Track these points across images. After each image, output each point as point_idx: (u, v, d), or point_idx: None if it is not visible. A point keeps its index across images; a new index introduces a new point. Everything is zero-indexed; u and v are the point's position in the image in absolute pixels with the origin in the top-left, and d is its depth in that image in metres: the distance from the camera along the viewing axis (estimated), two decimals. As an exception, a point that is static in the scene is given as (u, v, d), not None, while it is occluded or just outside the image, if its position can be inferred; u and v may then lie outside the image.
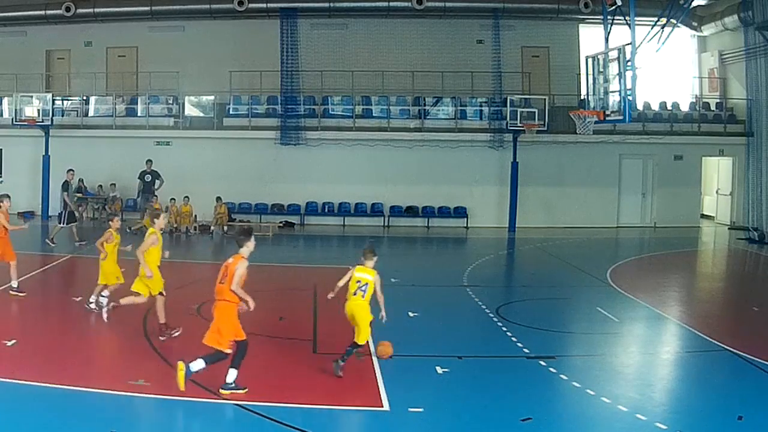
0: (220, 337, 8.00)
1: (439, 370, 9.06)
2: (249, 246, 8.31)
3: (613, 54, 16.47)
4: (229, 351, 7.99)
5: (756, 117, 24.64)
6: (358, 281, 8.95)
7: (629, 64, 15.82)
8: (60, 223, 19.29)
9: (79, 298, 12.59)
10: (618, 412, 7.79)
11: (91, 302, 11.33)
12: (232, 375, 8.01)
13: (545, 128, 23.69)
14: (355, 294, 8.95)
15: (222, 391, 7.93)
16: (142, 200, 22.66)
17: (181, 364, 7.91)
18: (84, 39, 26.48)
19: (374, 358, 9.39)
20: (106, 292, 11.23)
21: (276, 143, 24.96)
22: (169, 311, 11.70)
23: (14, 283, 12.27)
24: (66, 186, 19.76)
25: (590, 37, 24.03)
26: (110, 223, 11.89)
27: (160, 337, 10.08)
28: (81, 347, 9.66)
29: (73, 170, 20.40)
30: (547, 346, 10.43)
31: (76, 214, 20.19)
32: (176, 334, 10.15)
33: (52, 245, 18.48)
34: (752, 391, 8.60)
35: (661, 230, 25.09)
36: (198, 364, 7.97)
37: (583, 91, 21.40)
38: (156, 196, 22.02)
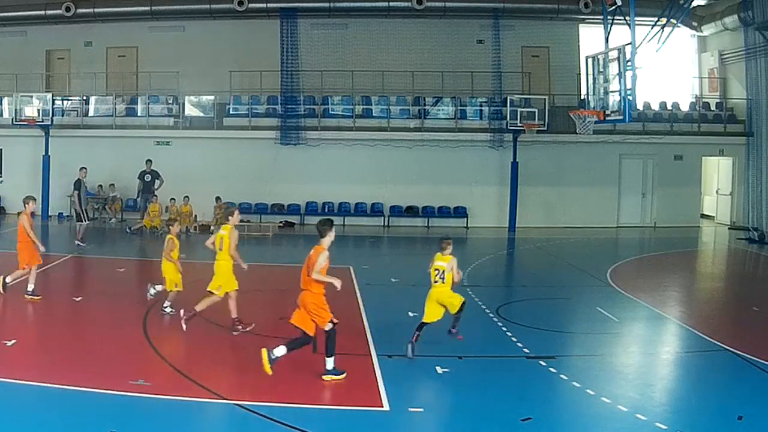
0: (307, 322, 8.52)
1: (439, 370, 9.06)
2: (330, 236, 8.66)
3: (613, 54, 16.47)
4: (313, 335, 8.55)
5: (756, 117, 24.64)
6: (437, 269, 9.67)
7: (629, 64, 15.81)
8: (80, 221, 19.36)
9: (80, 298, 12.61)
10: (618, 412, 7.79)
11: (166, 306, 11.44)
12: (330, 363, 8.56)
13: (545, 128, 23.70)
14: (435, 282, 9.67)
15: (324, 378, 8.54)
16: (142, 200, 22.68)
17: (264, 351, 8.31)
18: (84, 39, 26.48)
19: (374, 358, 9.39)
20: (167, 302, 11.43)
21: (276, 143, 24.96)
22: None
23: (30, 287, 12.08)
24: (78, 184, 19.82)
25: (590, 37, 24.03)
26: (170, 228, 11.80)
27: (233, 332, 10.48)
28: (81, 347, 9.66)
29: (85, 168, 20.43)
30: (547, 346, 10.43)
31: (88, 214, 20.16)
32: (249, 329, 10.56)
33: (84, 245, 18.43)
34: (752, 391, 8.60)
35: (661, 230, 25.10)
36: (280, 350, 8.39)
37: (583, 91, 21.41)
38: (156, 195, 22.04)
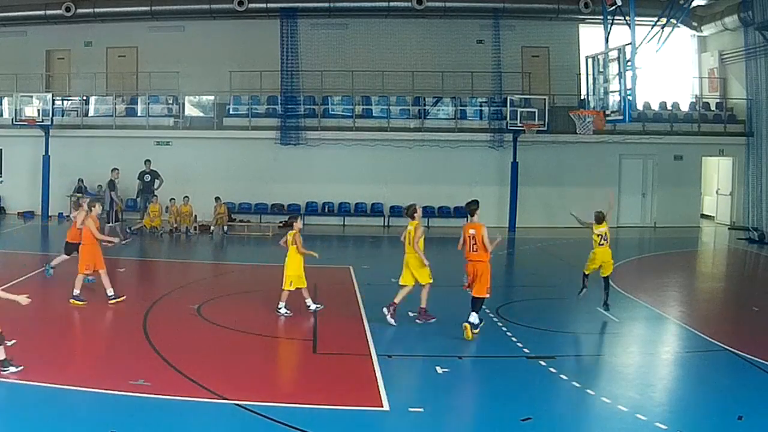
0: (484, 288, 10.48)
1: (439, 370, 9.05)
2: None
3: (613, 54, 16.47)
4: (488, 296, 10.55)
5: (756, 117, 24.64)
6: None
7: (629, 64, 15.81)
8: (109, 223, 19.54)
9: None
10: (618, 412, 7.79)
11: (280, 308, 11.55)
12: (474, 317, 10.43)
13: (545, 128, 23.70)
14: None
15: (466, 324, 10.32)
16: (142, 200, 22.68)
17: (466, 324, 10.29)
18: (84, 39, 26.47)
19: (374, 358, 9.39)
20: (312, 303, 11.65)
21: (276, 143, 24.96)
22: (170, 311, 11.74)
23: (109, 291, 11.97)
24: (112, 185, 19.85)
25: (590, 37, 24.03)
26: (294, 224, 11.78)
27: (417, 320, 11.21)
28: (81, 347, 9.66)
29: (117, 169, 20.59)
30: (547, 346, 10.43)
31: (118, 216, 20.20)
32: (432, 321, 11.20)
33: (124, 243, 18.56)
34: (752, 391, 8.59)
35: (661, 230, 25.10)
36: (474, 317, 10.40)
37: (583, 91, 21.40)
38: (156, 195, 22.04)
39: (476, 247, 10.68)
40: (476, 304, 10.53)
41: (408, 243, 11.35)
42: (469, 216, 11.11)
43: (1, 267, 15.12)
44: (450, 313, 12.54)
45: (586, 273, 12.46)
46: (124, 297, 12.08)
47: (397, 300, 11.23)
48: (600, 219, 12.34)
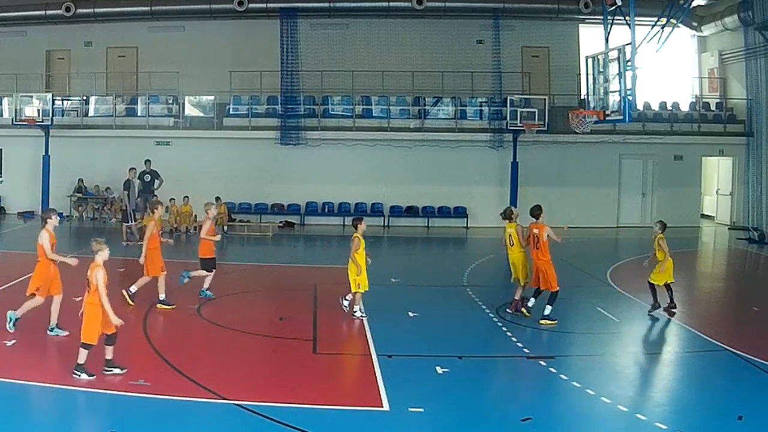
0: (551, 283, 11.45)
1: (439, 370, 9.05)
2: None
3: (613, 54, 16.44)
4: (558, 288, 11.47)
5: (756, 117, 24.63)
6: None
7: (629, 64, 15.79)
8: (126, 222, 19.64)
9: (79, 298, 12.55)
10: (618, 412, 7.79)
11: (345, 306, 11.56)
12: (548, 309, 11.39)
13: (545, 128, 23.69)
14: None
15: (541, 322, 11.25)
16: (142, 200, 22.65)
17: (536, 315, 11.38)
18: (84, 39, 26.48)
19: (374, 358, 9.40)
20: (346, 301, 11.60)
21: (276, 143, 24.95)
22: (170, 311, 11.74)
23: (162, 296, 11.87)
24: (128, 185, 19.91)
25: (590, 37, 24.01)
26: (358, 226, 11.74)
27: (508, 310, 11.97)
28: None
29: (134, 168, 20.57)
30: (547, 346, 10.44)
31: (135, 216, 20.19)
32: (528, 313, 11.78)
33: (131, 244, 18.63)
34: (752, 391, 8.59)
35: (661, 230, 25.04)
36: (548, 309, 11.39)
37: (583, 91, 21.39)
38: (156, 196, 22.01)
39: (538, 245, 11.57)
40: (551, 298, 11.56)
41: (509, 245, 12.09)
42: (534, 218, 11.86)
43: (1, 267, 15.12)
44: (450, 313, 12.57)
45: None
46: (174, 306, 11.91)
47: (517, 296, 12.08)
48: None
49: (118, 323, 8.18)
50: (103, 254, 8.37)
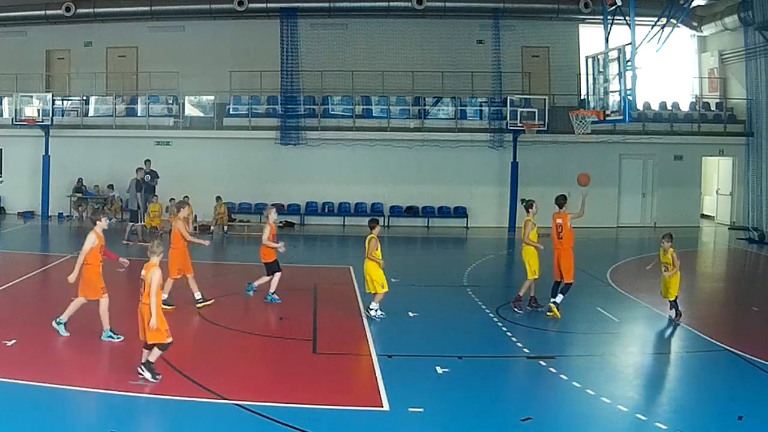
0: (568, 274, 11.72)
1: (439, 370, 9.05)
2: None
3: (613, 54, 16.45)
4: (572, 281, 11.75)
5: (756, 117, 24.63)
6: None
7: (629, 64, 15.79)
8: (133, 222, 19.69)
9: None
10: (618, 412, 7.79)
11: (371, 309, 11.52)
12: (560, 297, 11.75)
13: (545, 128, 23.70)
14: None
15: (551, 307, 11.69)
16: (143, 200, 22.66)
17: (552, 304, 11.67)
18: (84, 39, 26.49)
19: (374, 358, 9.40)
20: (371, 311, 11.55)
21: (276, 143, 24.96)
22: (170, 311, 11.72)
23: (197, 295, 11.89)
24: (140, 186, 19.99)
25: (590, 37, 24.05)
26: (375, 228, 11.73)
27: (528, 307, 12.17)
28: (81, 347, 9.65)
29: (143, 168, 20.56)
30: (547, 346, 10.44)
31: (139, 215, 20.25)
32: (540, 309, 12.10)
33: (132, 244, 18.71)
34: (752, 391, 8.59)
35: (661, 230, 24.79)
36: (559, 298, 11.71)
37: (583, 91, 21.39)
38: (156, 195, 22.03)
39: (561, 234, 11.82)
40: (564, 288, 11.83)
41: (557, 238, 12.11)
42: (558, 207, 12.12)
43: (2, 267, 15.12)
44: (450, 313, 12.57)
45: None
46: (212, 300, 11.97)
47: (532, 293, 12.32)
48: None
49: (153, 326, 8.05)
50: (160, 256, 8.40)
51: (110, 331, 9.84)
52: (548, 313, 11.79)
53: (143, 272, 8.25)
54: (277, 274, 12.59)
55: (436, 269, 17.92)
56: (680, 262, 11.81)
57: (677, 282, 11.77)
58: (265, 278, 12.61)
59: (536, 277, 12.19)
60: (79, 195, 25.05)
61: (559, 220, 11.94)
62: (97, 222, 10.01)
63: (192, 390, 8.02)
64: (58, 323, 9.93)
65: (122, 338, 9.73)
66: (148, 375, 8.07)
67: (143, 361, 8.17)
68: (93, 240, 9.80)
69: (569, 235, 11.85)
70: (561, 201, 12.13)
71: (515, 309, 12.17)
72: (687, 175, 25.64)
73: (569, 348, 10.62)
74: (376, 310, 11.48)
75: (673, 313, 11.87)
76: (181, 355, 9.30)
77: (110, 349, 9.61)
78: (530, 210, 12.27)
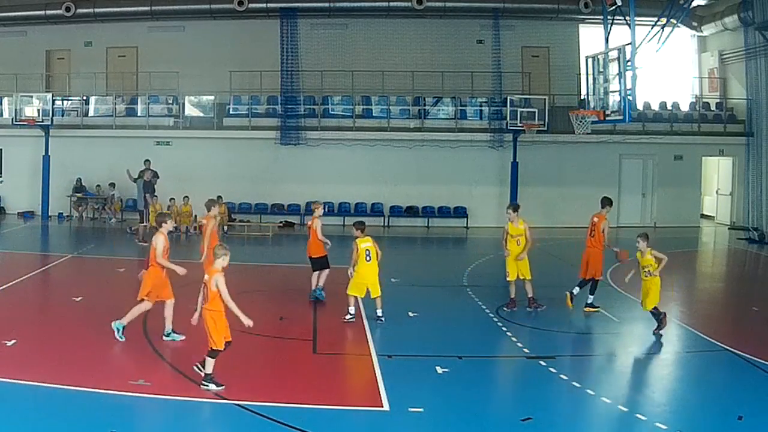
0: (595, 271, 12.08)
1: (439, 370, 9.05)
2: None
3: (613, 54, 16.45)
4: (600, 278, 12.21)
5: (756, 117, 24.63)
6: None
7: (629, 64, 15.79)
8: (142, 222, 19.68)
9: (80, 299, 12.59)
10: (618, 412, 7.79)
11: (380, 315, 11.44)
12: (591, 298, 12.11)
13: (545, 128, 23.70)
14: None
15: (585, 310, 12.09)
16: (150, 200, 22.68)
17: (567, 294, 12.10)
18: (84, 39, 26.49)
19: (374, 358, 9.40)
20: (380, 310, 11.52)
21: (276, 143, 24.96)
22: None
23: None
24: (148, 187, 20.00)
25: (590, 37, 24.04)
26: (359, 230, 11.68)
27: (528, 308, 12.19)
28: (81, 347, 9.65)
29: (151, 169, 20.46)
30: (547, 346, 10.43)
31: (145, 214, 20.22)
32: (542, 309, 12.17)
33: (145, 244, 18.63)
34: (752, 391, 8.58)
35: (661, 230, 25.06)
36: (590, 298, 12.08)
37: (583, 91, 21.39)
38: (156, 195, 22.02)
39: (593, 233, 12.20)
40: (591, 285, 12.16)
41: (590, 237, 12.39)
42: (600, 207, 12.50)
43: (1, 267, 15.12)
44: (450, 313, 12.57)
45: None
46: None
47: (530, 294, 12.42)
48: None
49: (248, 324, 8.04)
50: (224, 260, 8.19)
51: (173, 332, 9.88)
52: (568, 302, 12.15)
53: (206, 278, 8.11)
54: (326, 271, 12.55)
55: (436, 269, 17.92)
56: (667, 259, 11.25)
57: (657, 288, 10.92)
58: (315, 275, 12.56)
59: (513, 279, 12.18)
60: (79, 195, 25.05)
61: (594, 219, 12.32)
62: (163, 224, 10.01)
63: (192, 390, 8.02)
64: (117, 328, 9.82)
65: (184, 337, 9.75)
66: (213, 387, 7.95)
67: (203, 376, 8.05)
68: (163, 241, 9.82)
69: (600, 236, 12.16)
70: (604, 202, 12.47)
71: (535, 308, 12.29)
72: (687, 175, 25.64)
73: (569, 348, 10.62)
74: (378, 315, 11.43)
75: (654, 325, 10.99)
76: (181, 355, 9.29)
77: (110, 349, 9.60)
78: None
